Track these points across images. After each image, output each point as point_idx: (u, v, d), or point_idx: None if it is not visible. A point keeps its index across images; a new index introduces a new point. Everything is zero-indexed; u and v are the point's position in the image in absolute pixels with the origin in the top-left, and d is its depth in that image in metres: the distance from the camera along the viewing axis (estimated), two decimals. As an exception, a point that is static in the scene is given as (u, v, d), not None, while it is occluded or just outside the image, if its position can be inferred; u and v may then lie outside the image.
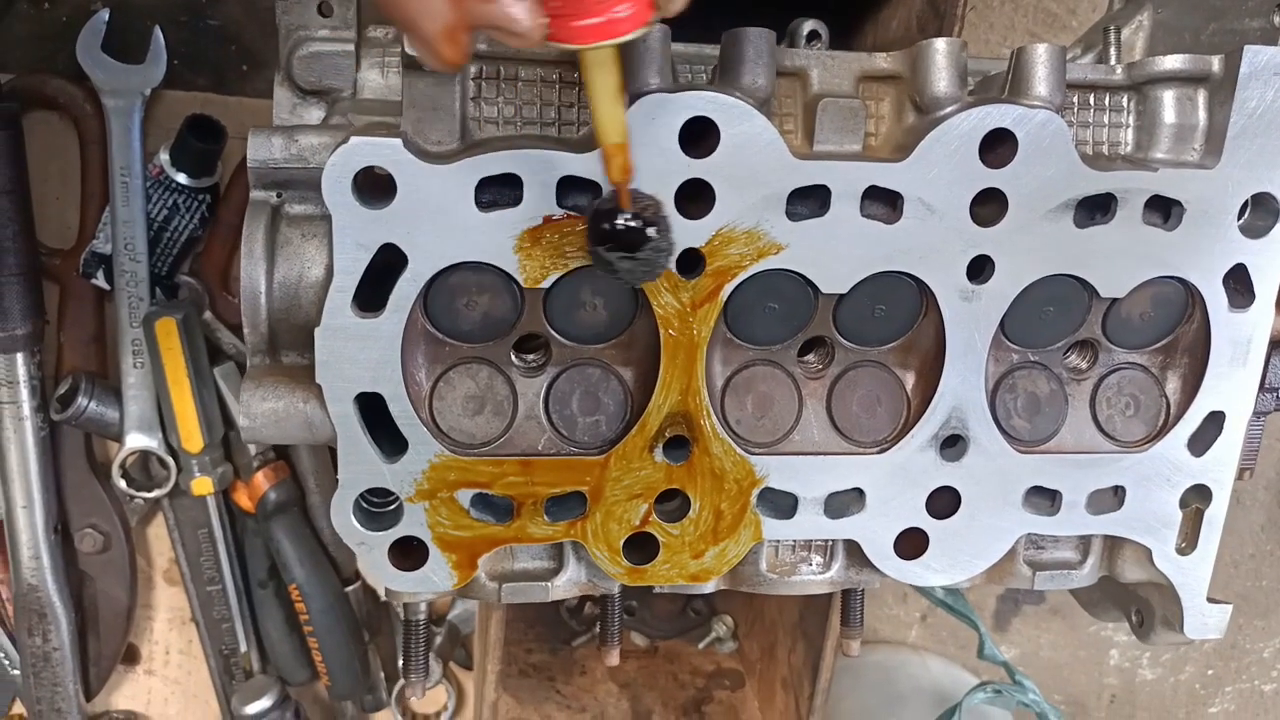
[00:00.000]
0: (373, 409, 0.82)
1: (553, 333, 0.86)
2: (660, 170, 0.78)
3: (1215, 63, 0.86)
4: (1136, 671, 1.93)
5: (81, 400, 1.36)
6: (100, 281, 1.37)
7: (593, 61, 0.66)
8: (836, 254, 0.83)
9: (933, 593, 1.54)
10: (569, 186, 0.78)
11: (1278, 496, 1.79)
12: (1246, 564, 1.87)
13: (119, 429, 1.39)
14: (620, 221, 0.72)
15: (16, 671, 1.50)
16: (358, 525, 0.85)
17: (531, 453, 0.87)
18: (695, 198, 0.80)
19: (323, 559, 1.50)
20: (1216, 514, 0.96)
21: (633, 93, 0.78)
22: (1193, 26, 1.00)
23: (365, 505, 0.86)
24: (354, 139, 0.74)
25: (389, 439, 0.83)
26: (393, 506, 0.86)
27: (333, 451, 0.85)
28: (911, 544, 0.93)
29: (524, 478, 0.86)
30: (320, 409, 0.82)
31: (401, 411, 0.82)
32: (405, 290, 0.79)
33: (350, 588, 1.54)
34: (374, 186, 0.76)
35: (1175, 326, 0.93)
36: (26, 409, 1.35)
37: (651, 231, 0.72)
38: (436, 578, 0.87)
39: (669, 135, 0.77)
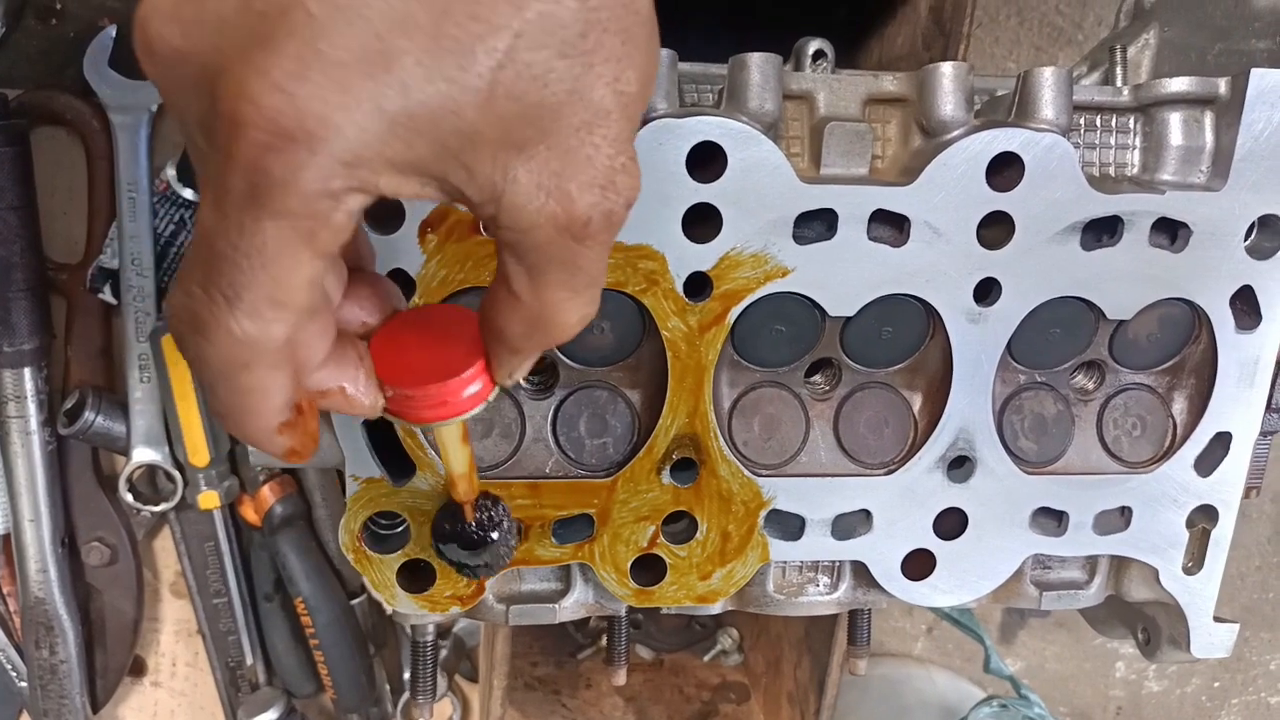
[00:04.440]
0: (380, 433, 0.82)
1: (560, 355, 0.86)
2: (667, 194, 0.79)
3: (1222, 85, 0.86)
4: (1143, 684, 1.93)
5: (89, 414, 1.36)
6: (107, 296, 1.37)
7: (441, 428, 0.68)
8: (843, 277, 0.83)
9: (939, 607, 1.54)
10: (576, 211, 0.78)
11: (1284, 508, 1.79)
12: (1253, 576, 1.87)
13: (126, 443, 1.39)
14: (463, 528, 0.76)
15: (24, 684, 1.50)
16: (366, 548, 0.85)
17: (539, 475, 0.87)
18: (703, 221, 0.80)
19: (328, 572, 1.50)
20: (1223, 534, 0.96)
21: (641, 117, 0.78)
22: (1199, 46, 1.00)
23: (373, 528, 0.86)
24: (362, 165, 0.74)
25: (396, 462, 0.83)
26: (400, 529, 0.86)
27: (340, 474, 0.85)
28: (919, 565, 0.93)
29: (532, 500, 0.86)
30: (328, 433, 0.82)
31: (409, 435, 0.82)
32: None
33: (356, 601, 1.55)
34: (383, 212, 0.77)
35: (1182, 347, 0.93)
36: (34, 423, 1.36)
37: (494, 536, 0.76)
38: (444, 599, 0.87)
39: (676, 160, 0.78)
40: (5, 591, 1.48)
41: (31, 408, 1.35)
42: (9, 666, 1.51)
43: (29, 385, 1.35)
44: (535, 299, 0.56)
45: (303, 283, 0.50)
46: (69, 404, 1.38)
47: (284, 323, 0.51)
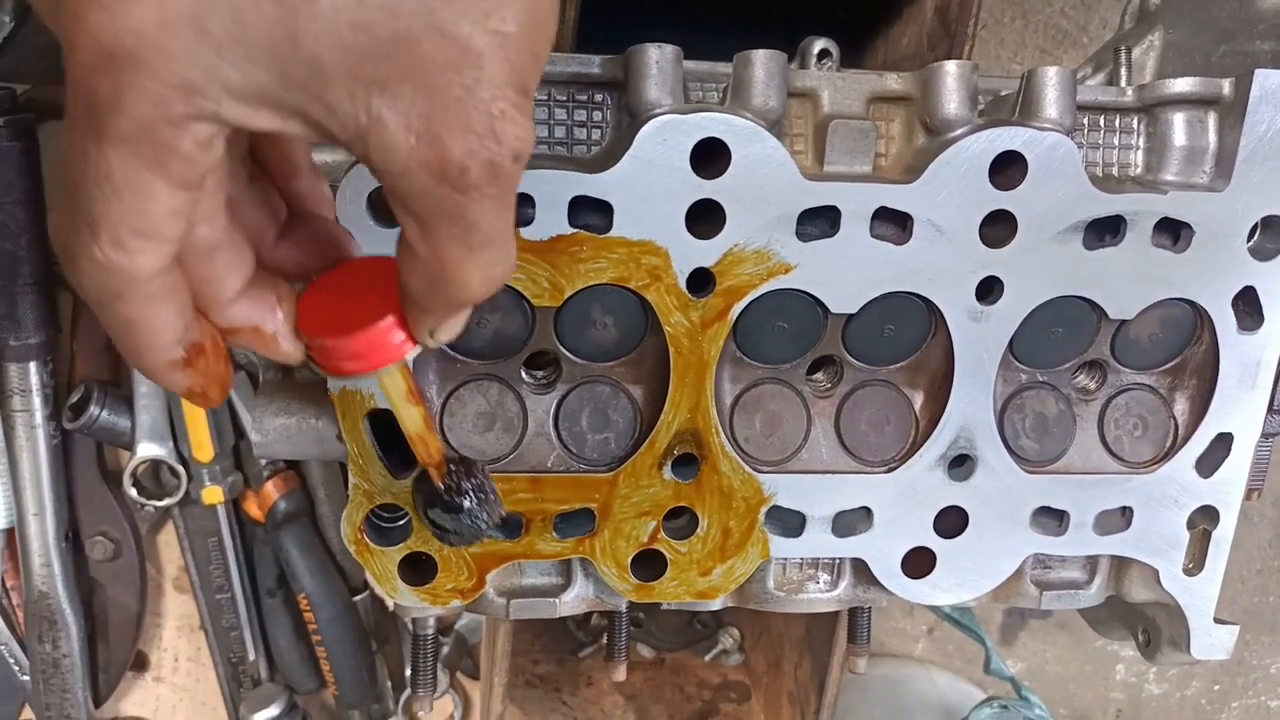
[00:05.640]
0: (384, 426, 0.82)
1: (563, 350, 0.86)
2: (671, 190, 0.79)
3: (1226, 85, 0.86)
4: (1143, 686, 1.92)
5: (93, 409, 1.37)
6: (113, 291, 1.37)
7: (380, 375, 0.65)
8: (846, 274, 0.84)
9: (939, 607, 1.54)
10: (580, 205, 0.79)
11: (1286, 512, 1.79)
12: (1254, 579, 1.87)
13: (130, 438, 1.40)
14: (438, 495, 0.74)
15: (26, 677, 1.51)
16: (368, 541, 0.85)
17: (541, 469, 0.87)
18: (706, 217, 0.80)
19: (331, 569, 1.51)
20: (1224, 535, 0.96)
21: (644, 114, 0.79)
22: (1204, 48, 1.01)
23: (375, 521, 0.86)
24: (368, 159, 0.75)
25: (400, 456, 0.83)
26: (402, 522, 0.86)
27: (343, 467, 0.85)
28: (919, 563, 0.93)
29: (533, 494, 0.86)
30: (332, 425, 0.82)
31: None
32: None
33: (358, 597, 1.55)
34: (388, 205, 0.77)
35: (1184, 348, 0.93)
36: (39, 417, 1.37)
37: (466, 503, 0.74)
38: (445, 593, 0.88)
39: (680, 156, 0.78)
40: (9, 585, 1.48)
41: (37, 401, 1.36)
42: (12, 660, 1.52)
43: (34, 379, 1.35)
44: (430, 254, 0.54)
45: (164, 213, 0.49)
46: (74, 398, 1.38)
47: (151, 254, 0.50)
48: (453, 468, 0.74)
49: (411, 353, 0.61)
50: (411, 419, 0.69)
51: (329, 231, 0.65)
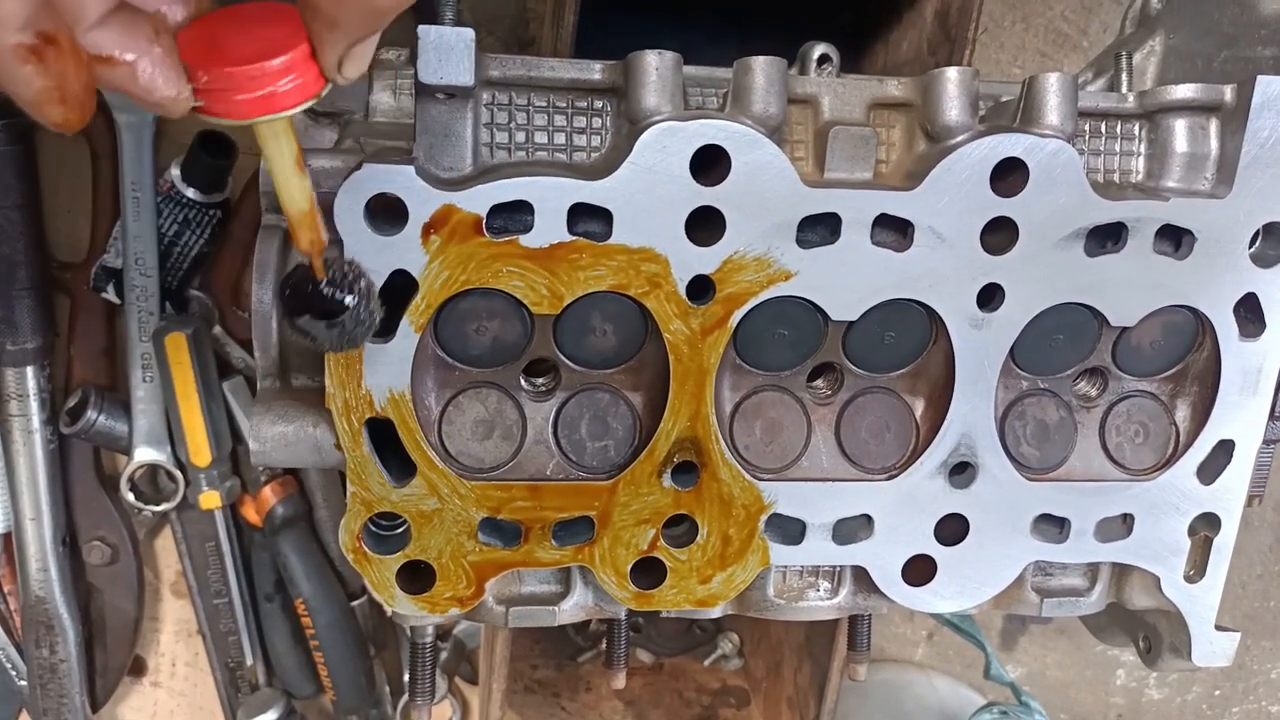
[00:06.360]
0: (382, 434, 0.82)
1: (562, 358, 0.86)
2: (671, 198, 0.78)
3: (1227, 92, 0.86)
4: (1143, 691, 1.92)
5: (91, 413, 1.37)
6: (111, 295, 1.37)
7: (266, 133, 0.60)
8: (846, 281, 0.83)
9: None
10: (580, 213, 0.78)
11: (1286, 517, 1.79)
12: (1254, 585, 1.86)
13: (128, 442, 1.39)
14: (313, 290, 0.67)
15: (23, 682, 1.51)
16: (366, 549, 0.85)
17: (540, 477, 0.87)
18: (706, 224, 0.80)
19: (329, 573, 1.50)
20: (1225, 542, 0.95)
21: (644, 120, 0.78)
22: (1204, 53, 1.00)
23: (374, 529, 0.86)
24: (367, 166, 0.74)
25: (398, 464, 0.83)
26: (401, 530, 0.86)
27: (342, 474, 0.85)
28: (919, 570, 0.92)
29: (532, 502, 0.86)
30: (330, 433, 0.82)
31: (409, 435, 0.82)
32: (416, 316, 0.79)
33: (356, 602, 1.55)
34: (386, 212, 0.77)
35: (1185, 355, 0.93)
36: (36, 422, 1.36)
37: (348, 299, 0.67)
38: (444, 601, 0.87)
39: (680, 163, 0.78)
40: (6, 590, 1.48)
41: (34, 406, 1.36)
42: (9, 665, 1.51)
43: (31, 384, 1.35)
44: None
45: None
46: (71, 403, 1.38)
47: None
48: (335, 261, 0.68)
49: (323, 90, 0.57)
50: (301, 191, 0.63)
51: None
